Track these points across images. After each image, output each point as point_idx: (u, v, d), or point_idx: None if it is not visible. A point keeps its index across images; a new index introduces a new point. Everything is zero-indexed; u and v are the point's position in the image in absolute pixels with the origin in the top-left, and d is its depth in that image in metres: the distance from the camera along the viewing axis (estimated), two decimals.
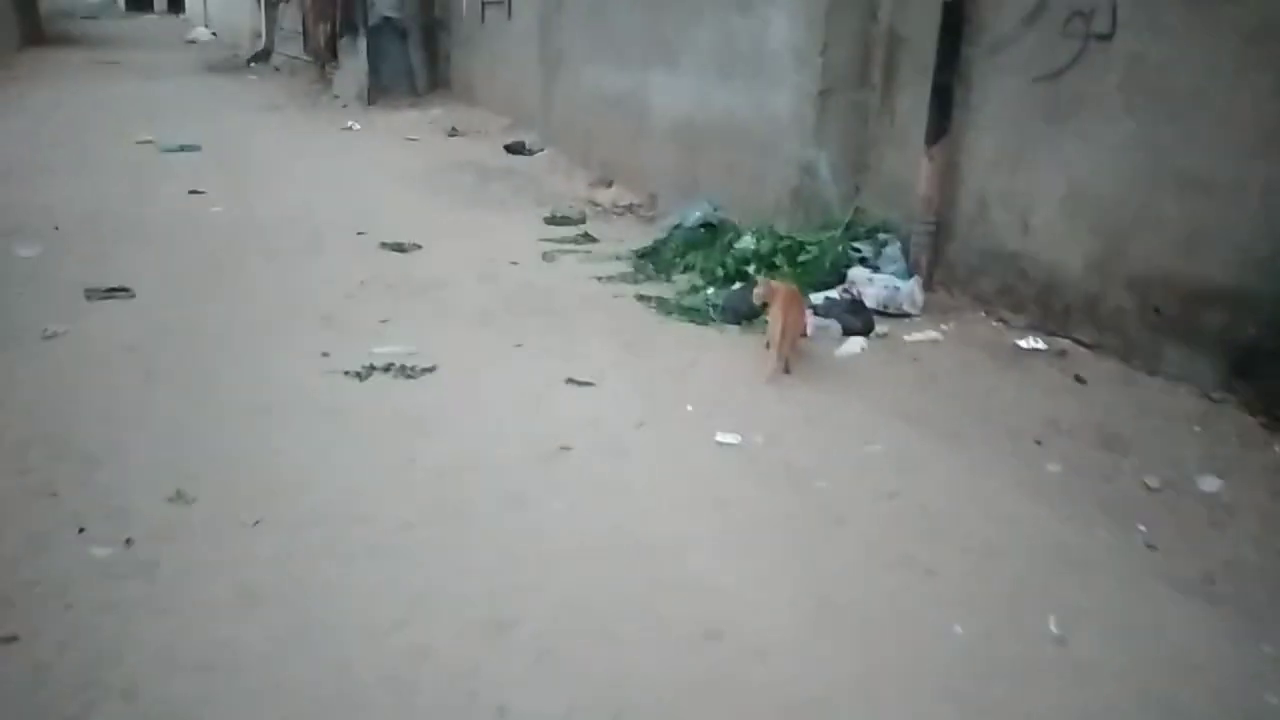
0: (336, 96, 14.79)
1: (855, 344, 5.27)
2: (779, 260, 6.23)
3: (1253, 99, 4.35)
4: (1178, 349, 4.76)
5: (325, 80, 15.81)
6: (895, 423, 4.35)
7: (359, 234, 7.42)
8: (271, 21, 19.76)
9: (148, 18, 38.84)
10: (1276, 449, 4.08)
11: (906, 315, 5.79)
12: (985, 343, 5.34)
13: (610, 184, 9.40)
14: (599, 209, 8.68)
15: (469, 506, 3.60)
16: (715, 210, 7.36)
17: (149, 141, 10.67)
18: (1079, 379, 4.82)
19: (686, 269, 6.70)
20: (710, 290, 6.05)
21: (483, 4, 12.94)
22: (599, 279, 6.45)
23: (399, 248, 7.09)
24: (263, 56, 19.74)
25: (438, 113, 13.16)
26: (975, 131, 5.79)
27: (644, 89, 8.66)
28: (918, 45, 6.12)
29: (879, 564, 3.32)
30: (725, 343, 5.33)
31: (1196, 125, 4.60)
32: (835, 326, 5.43)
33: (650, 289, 6.26)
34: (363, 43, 13.98)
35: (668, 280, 6.51)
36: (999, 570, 3.31)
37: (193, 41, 27.21)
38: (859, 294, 5.81)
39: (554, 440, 4.06)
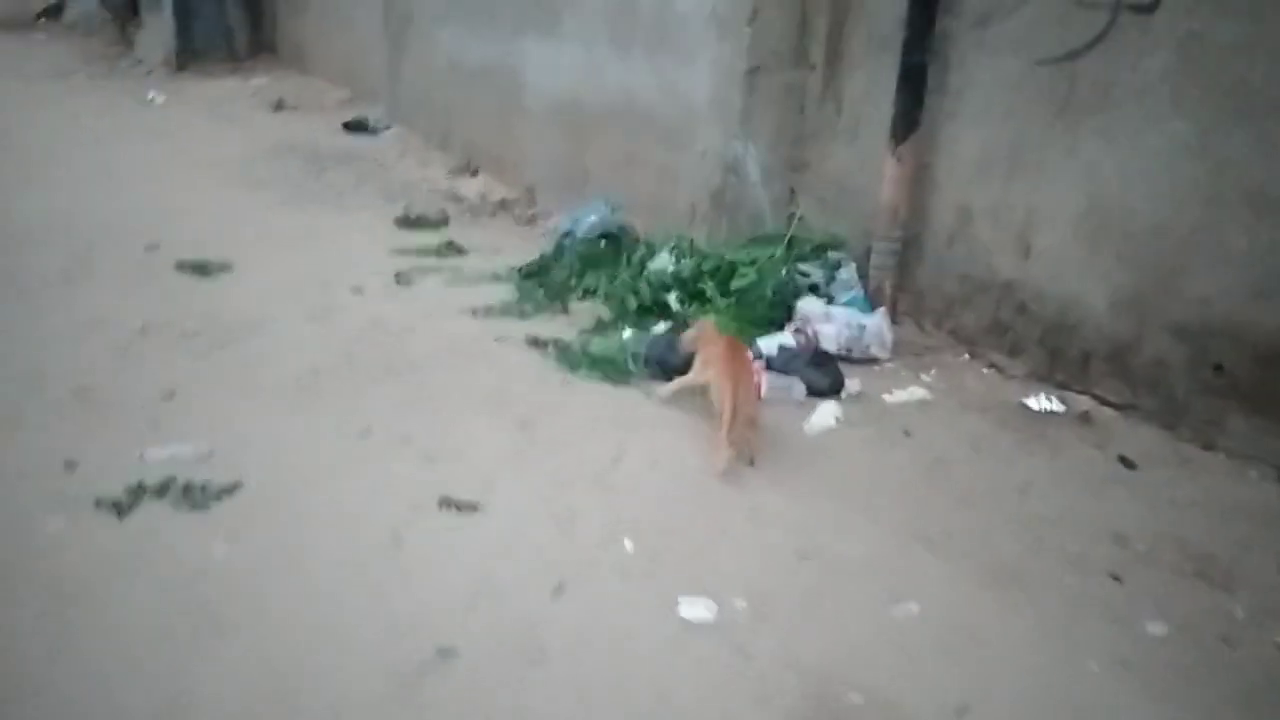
0: (140, 61, 12.45)
1: (827, 413, 3.97)
2: (707, 287, 4.86)
3: None
4: (1246, 418, 3.67)
5: (127, 41, 13.38)
6: (920, 555, 3.07)
7: (149, 248, 5.62)
8: None
9: None
10: None
11: (874, 360, 4.55)
12: (985, 402, 4.14)
13: (476, 172, 7.81)
14: (464, 205, 7.09)
15: None
16: (614, 213, 5.92)
17: None
18: (1125, 462, 3.67)
19: (586, 294, 5.25)
20: (625, 331, 4.61)
21: None
22: (473, 312, 4.92)
23: (201, 269, 5.34)
24: (54, 11, 16.81)
25: (261, 82, 11.12)
26: (956, 126, 4.56)
27: (516, 59, 7.10)
28: (875, 12, 4.83)
29: None
30: (655, 413, 3.94)
31: (1277, 130, 3.48)
32: (797, 387, 4.11)
33: (543, 326, 4.79)
34: None
35: (564, 311, 5.05)
36: None
37: None
38: (814, 334, 4.52)
39: (425, 637, 2.57)
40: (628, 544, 3.01)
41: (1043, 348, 4.31)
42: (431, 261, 5.74)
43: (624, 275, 5.24)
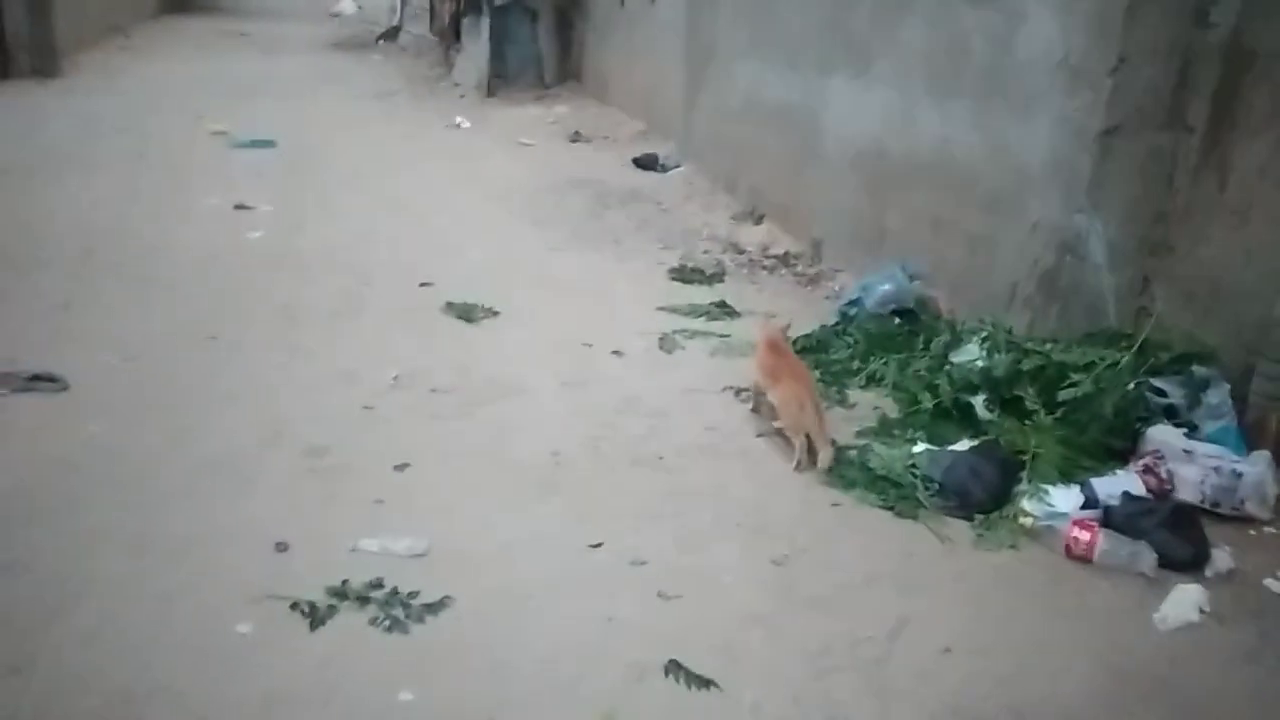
0: (456, 84, 13.07)
1: (1187, 600, 2.97)
2: (1026, 394, 3.94)
3: None
4: None
5: (448, 64, 14.12)
6: None
7: (422, 285, 5.51)
8: None
9: None
10: None
11: (1248, 520, 3.45)
12: None
13: (760, 219, 7.24)
14: (743, 257, 6.53)
15: None
16: (912, 281, 5.12)
17: (223, 132, 9.10)
18: None
19: (871, 382, 4.49)
20: (917, 445, 3.81)
21: None
22: (737, 392, 4.31)
23: (468, 314, 5.13)
24: (392, 34, 18.28)
25: (562, 110, 11.21)
26: None
27: (817, 99, 6.44)
28: None
29: None
30: (953, 569, 3.13)
31: None
32: (1145, 556, 3.14)
33: None
34: (486, 23, 12.13)
35: (839, 399, 4.32)
36: None
37: (336, 15, 26.21)
38: (1168, 476, 3.49)
39: None
40: None
41: None
42: (700, 324, 5.20)
43: (919, 364, 4.43)
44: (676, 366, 4.63)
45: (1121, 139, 4.22)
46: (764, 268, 6.32)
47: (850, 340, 4.76)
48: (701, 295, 5.67)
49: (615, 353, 4.73)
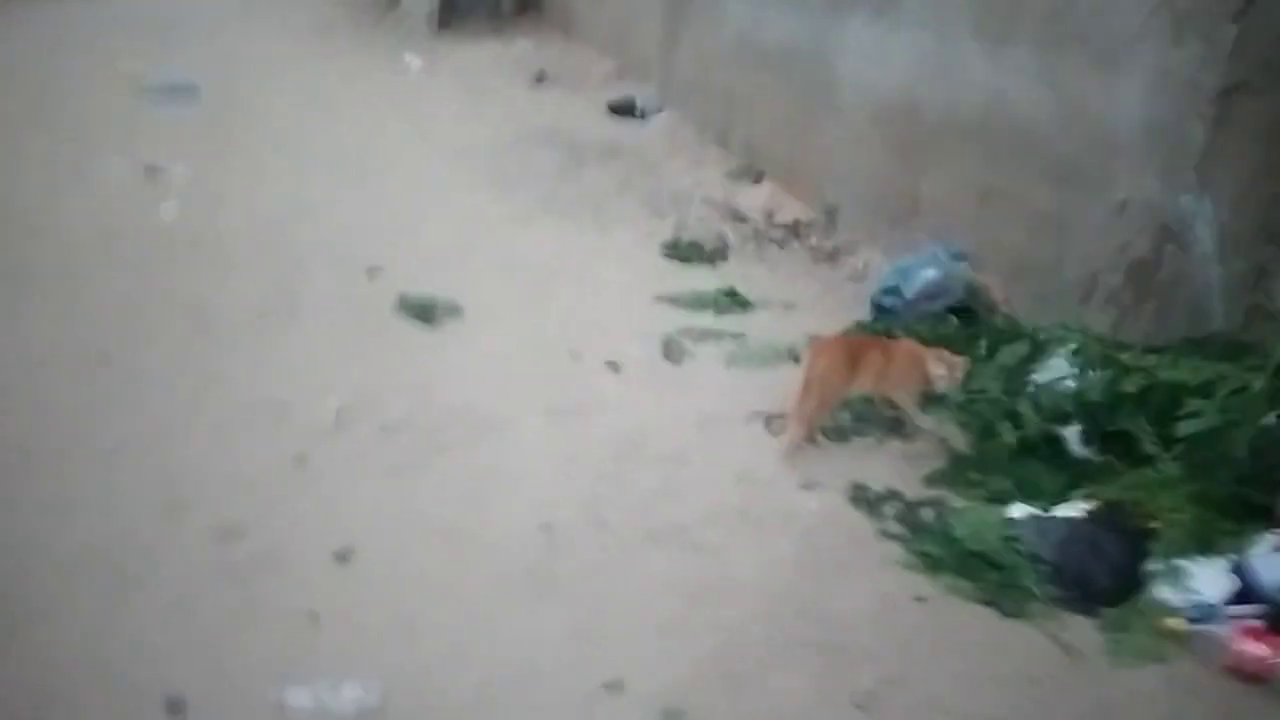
0: (404, 16, 11.80)
1: None
2: (1138, 427, 3.14)
3: None
4: None
5: None
6: None
7: (369, 271, 4.56)
8: None
9: None
10: None
11: None
12: None
13: (760, 178, 6.31)
14: (746, 226, 5.63)
15: None
16: (958, 267, 4.29)
17: (138, 76, 7.90)
18: None
19: (928, 401, 3.65)
20: (1012, 507, 2.98)
21: None
22: (767, 422, 3.47)
23: (425, 312, 4.21)
24: None
25: (524, 47, 10.06)
26: None
27: (830, 42, 5.49)
28: None
29: None
30: (1087, 700, 2.33)
31: None
32: None
33: (870, 461, 3.27)
34: None
35: (898, 432, 3.49)
36: None
37: None
38: None
39: None
40: None
41: None
42: (708, 320, 4.34)
43: (986, 377, 3.60)
44: (687, 383, 3.76)
45: (1244, 101, 3.37)
46: (772, 240, 5.43)
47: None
48: (704, 279, 4.80)
49: (610, 364, 3.85)
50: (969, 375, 3.62)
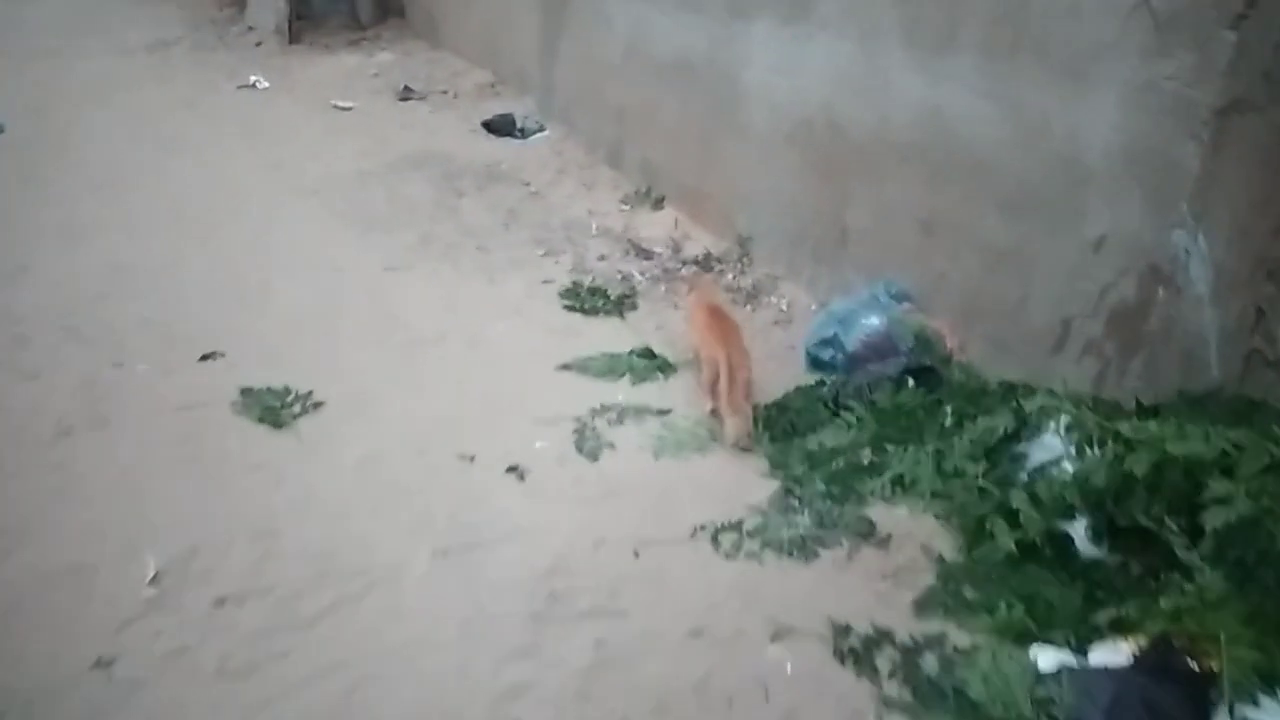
0: (251, 28, 10.70)
1: None
2: (1164, 529, 2.60)
3: None
4: None
5: (240, 2, 11.65)
6: None
7: (204, 359, 3.71)
8: None
9: None
10: None
11: None
12: None
13: (660, 203, 5.67)
14: (651, 263, 4.97)
15: None
16: (900, 307, 3.74)
17: None
18: None
19: (897, 490, 3.05)
20: (1034, 652, 2.38)
21: None
22: (714, 538, 2.81)
23: (273, 413, 3.40)
24: None
25: (386, 58, 9.16)
26: None
27: (733, 51, 4.87)
28: None
29: None
30: None
31: None
32: None
33: (845, 581, 2.63)
34: None
35: (868, 534, 2.87)
36: None
37: None
38: None
39: None
40: None
41: None
42: (624, 390, 3.65)
43: (961, 456, 3.03)
44: (610, 488, 3.06)
45: (1242, 122, 2.87)
46: (682, 278, 4.77)
47: (850, 419, 3.30)
48: (613, 334, 4.12)
49: (512, 470, 3.12)
50: (940, 452, 3.05)
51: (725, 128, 5.01)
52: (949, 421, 3.21)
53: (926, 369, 3.40)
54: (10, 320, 3.93)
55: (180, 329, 3.97)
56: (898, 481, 3.05)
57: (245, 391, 3.50)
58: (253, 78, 8.29)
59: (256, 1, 10.90)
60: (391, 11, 10.66)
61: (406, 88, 8.00)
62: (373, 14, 10.56)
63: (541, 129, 6.94)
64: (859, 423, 3.27)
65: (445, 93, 7.97)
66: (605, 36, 6.07)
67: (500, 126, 6.99)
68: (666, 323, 4.29)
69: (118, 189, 5.58)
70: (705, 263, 4.93)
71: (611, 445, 3.27)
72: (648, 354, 3.91)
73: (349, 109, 7.57)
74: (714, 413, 3.40)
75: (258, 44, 10.09)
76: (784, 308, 4.47)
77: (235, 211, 5.37)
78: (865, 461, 3.15)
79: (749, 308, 4.49)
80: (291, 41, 9.91)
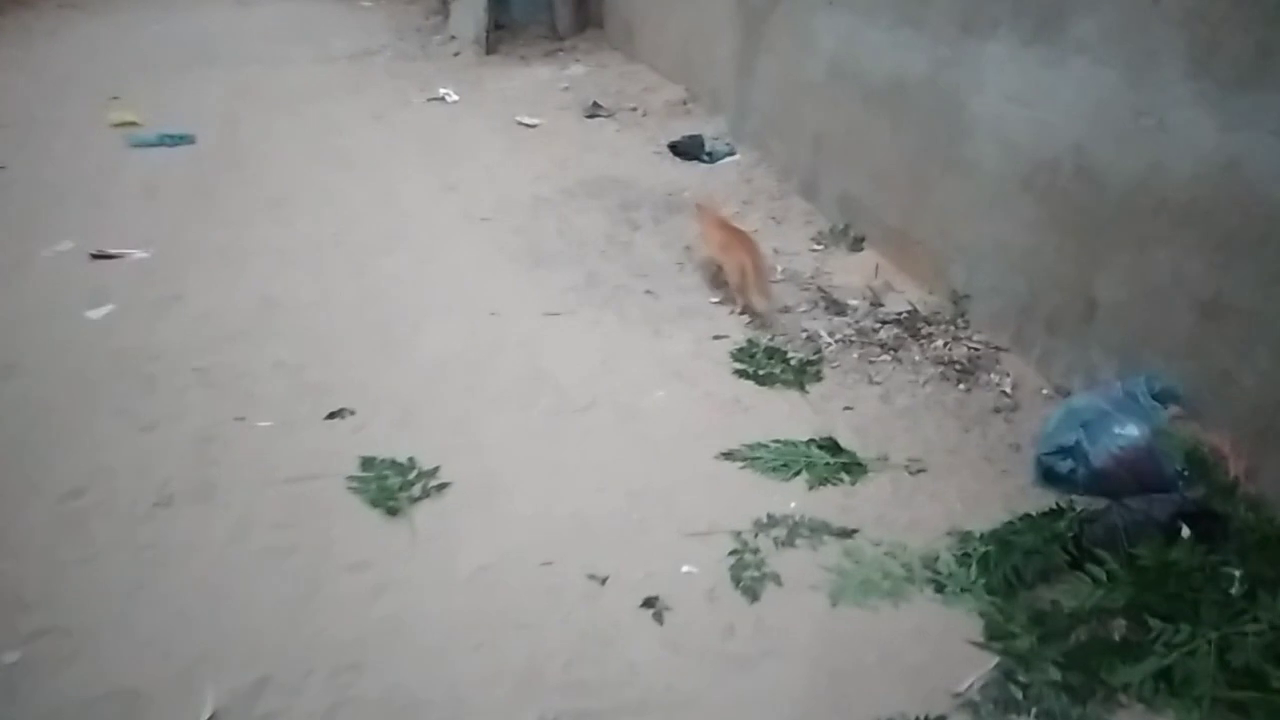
0: (453, 37, 10.69)
1: None
2: None
3: None
4: None
5: (445, 12, 11.70)
6: None
7: (331, 417, 3.36)
8: None
9: None
10: None
11: None
12: None
13: (860, 244, 4.94)
14: (845, 321, 4.25)
15: None
16: (1165, 414, 2.88)
17: (131, 124, 6.89)
18: None
19: (1160, 687, 2.23)
20: None
21: None
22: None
23: (388, 494, 2.96)
24: None
25: (578, 71, 8.82)
26: None
27: (961, 73, 4.08)
28: None
29: None
30: None
31: None
32: None
33: None
34: None
35: None
36: None
37: None
38: None
39: None
40: None
41: None
42: (796, 496, 2.98)
43: (1263, 661, 2.17)
44: (770, 646, 2.41)
45: None
46: (882, 345, 4.02)
47: (1098, 571, 2.49)
48: (790, 413, 3.46)
49: (649, 604, 2.52)
50: (1226, 640, 2.22)
51: (944, 163, 4.23)
52: (1237, 589, 2.35)
53: (1207, 513, 2.54)
54: (145, 358, 3.71)
55: (314, 376, 3.63)
56: (1163, 676, 2.24)
57: (366, 462, 3.09)
58: (442, 90, 8.13)
59: (459, 11, 10.89)
60: (591, 22, 10.36)
61: (595, 104, 7.59)
62: (571, 24, 10.30)
63: (731, 152, 6.34)
64: (1110, 580, 2.45)
65: (634, 110, 7.51)
66: (806, 53, 5.39)
67: (687, 149, 6.44)
68: (856, 400, 3.57)
69: (286, 209, 5.41)
70: (909, 322, 4.17)
71: (777, 579, 2.61)
72: (831, 446, 3.22)
73: (534, 126, 7.22)
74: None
75: (455, 54, 10.04)
76: (1007, 390, 3.65)
77: (399, 238, 5.07)
78: (1117, 637, 2.34)
79: (961, 385, 3.70)
80: (488, 52, 9.79)
